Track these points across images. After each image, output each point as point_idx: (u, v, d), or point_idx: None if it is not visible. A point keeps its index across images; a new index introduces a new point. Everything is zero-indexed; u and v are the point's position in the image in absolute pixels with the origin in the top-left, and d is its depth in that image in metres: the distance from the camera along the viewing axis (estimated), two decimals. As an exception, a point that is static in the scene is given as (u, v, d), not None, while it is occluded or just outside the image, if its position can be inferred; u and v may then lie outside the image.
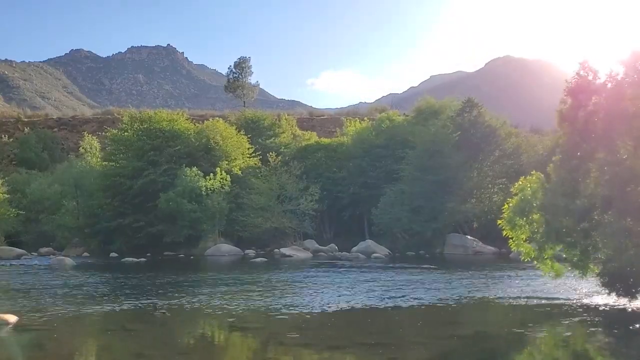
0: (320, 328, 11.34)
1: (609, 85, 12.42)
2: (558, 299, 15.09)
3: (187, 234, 39.69)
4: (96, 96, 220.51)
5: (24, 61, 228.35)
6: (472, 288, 17.70)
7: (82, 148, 57.30)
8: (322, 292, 16.95)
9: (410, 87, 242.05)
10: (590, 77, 12.72)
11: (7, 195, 45.38)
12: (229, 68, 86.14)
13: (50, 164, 59.67)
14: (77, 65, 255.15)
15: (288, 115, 59.91)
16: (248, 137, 47.12)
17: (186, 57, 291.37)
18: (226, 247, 38.73)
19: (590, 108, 12.67)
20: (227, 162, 43.52)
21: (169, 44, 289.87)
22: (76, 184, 46.59)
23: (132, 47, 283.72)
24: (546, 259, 14.02)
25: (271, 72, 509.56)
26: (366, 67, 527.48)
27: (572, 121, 12.86)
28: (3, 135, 71.10)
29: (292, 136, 54.40)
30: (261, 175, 44.19)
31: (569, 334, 10.94)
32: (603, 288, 13.87)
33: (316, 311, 13.44)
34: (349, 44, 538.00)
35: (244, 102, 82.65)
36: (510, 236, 15.15)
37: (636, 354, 9.18)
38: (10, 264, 30.81)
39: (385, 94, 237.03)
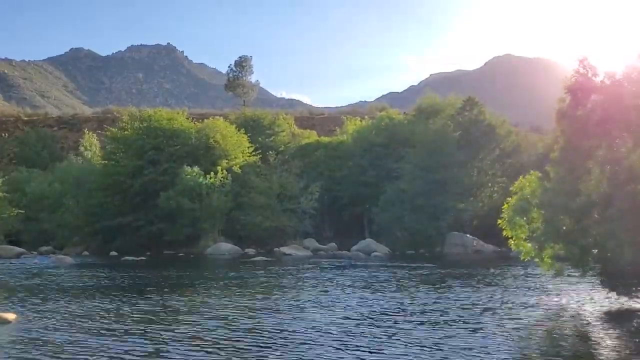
0: (323, 327, 11.33)
1: (609, 82, 12.38)
2: (556, 297, 15.09)
3: (187, 233, 39.73)
4: (96, 95, 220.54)
5: (23, 60, 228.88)
6: (469, 288, 17.71)
7: (82, 146, 57.39)
8: (321, 292, 16.95)
9: (410, 86, 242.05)
10: (589, 75, 12.69)
11: (7, 194, 45.37)
12: (229, 67, 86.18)
13: (50, 163, 59.60)
14: (76, 64, 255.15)
15: (285, 114, 59.86)
16: (248, 136, 47.09)
17: (186, 56, 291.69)
18: (226, 246, 38.74)
19: (589, 106, 12.63)
20: (227, 161, 43.51)
21: (168, 43, 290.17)
22: (76, 182, 46.59)
23: (132, 45, 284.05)
24: (546, 257, 14.01)
25: (271, 71, 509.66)
26: (366, 66, 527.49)
27: (571, 119, 12.84)
28: (3, 134, 71.07)
29: (290, 135, 54.37)
30: (261, 174, 44.17)
31: (567, 332, 10.93)
32: (602, 287, 13.87)
33: (317, 311, 13.45)
34: (349, 43, 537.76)
35: (244, 100, 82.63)
36: (509, 236, 15.15)
37: (635, 353, 9.17)
38: (10, 263, 30.82)
39: (385, 93, 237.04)
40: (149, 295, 16.22)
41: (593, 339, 10.23)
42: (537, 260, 14.47)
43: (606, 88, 12.32)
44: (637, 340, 10.19)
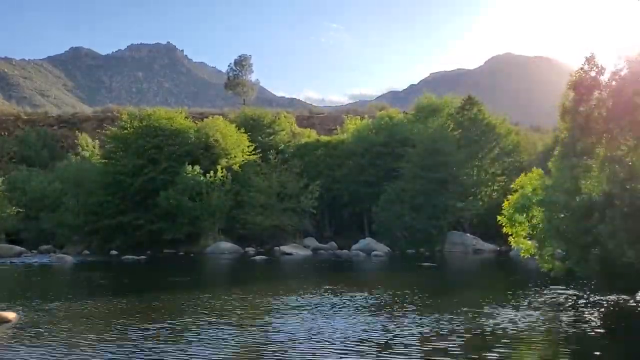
0: (323, 327, 11.33)
1: (612, 80, 12.36)
2: (556, 297, 15.07)
3: (187, 232, 39.75)
4: (96, 94, 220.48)
5: (23, 59, 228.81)
6: (468, 288, 17.71)
7: (80, 146, 57.48)
8: (321, 292, 16.95)
9: (410, 85, 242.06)
10: (593, 73, 12.66)
11: (7, 193, 45.36)
12: (229, 66, 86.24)
13: (50, 162, 59.56)
14: (76, 63, 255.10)
15: (287, 113, 59.79)
16: (248, 135, 47.04)
17: (186, 55, 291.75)
18: (226, 245, 38.74)
19: (592, 103, 12.61)
20: (226, 160, 43.50)
21: (168, 42, 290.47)
22: (76, 181, 46.55)
23: (131, 45, 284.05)
24: (546, 256, 14.01)
25: (271, 71, 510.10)
26: (366, 65, 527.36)
27: (573, 116, 12.81)
28: (3, 133, 71.00)
29: (291, 134, 54.34)
30: (261, 173, 44.16)
31: (567, 333, 10.92)
32: (603, 286, 13.85)
33: (317, 311, 13.45)
34: (349, 43, 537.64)
35: (244, 99, 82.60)
36: (509, 233, 15.14)
37: (635, 352, 9.16)
38: (10, 262, 30.81)
39: (385, 92, 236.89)
40: (149, 295, 16.21)
41: (593, 339, 10.22)
42: (537, 258, 14.47)
43: (608, 85, 12.31)
44: (637, 340, 10.19)
